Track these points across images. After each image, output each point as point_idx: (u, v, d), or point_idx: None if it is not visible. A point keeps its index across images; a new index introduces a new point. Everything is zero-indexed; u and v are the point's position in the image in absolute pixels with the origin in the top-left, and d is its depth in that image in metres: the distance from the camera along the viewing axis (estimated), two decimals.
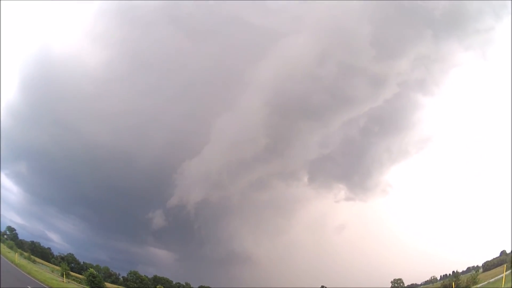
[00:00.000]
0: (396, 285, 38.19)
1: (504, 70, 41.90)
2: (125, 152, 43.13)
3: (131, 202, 41.47)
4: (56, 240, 44.48)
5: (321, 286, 37.82)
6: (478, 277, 38.68)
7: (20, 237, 46.79)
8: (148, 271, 39.40)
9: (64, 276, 40.75)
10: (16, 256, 40.51)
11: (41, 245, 45.38)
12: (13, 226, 47.04)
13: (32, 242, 45.53)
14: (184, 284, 39.07)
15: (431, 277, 39.16)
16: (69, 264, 42.49)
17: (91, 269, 41.21)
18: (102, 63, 43.64)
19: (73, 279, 41.70)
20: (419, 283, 39.18)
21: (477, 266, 39.75)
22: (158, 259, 42.48)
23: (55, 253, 44.10)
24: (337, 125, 44.94)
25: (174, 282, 38.70)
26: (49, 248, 45.06)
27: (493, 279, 37.52)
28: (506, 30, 41.32)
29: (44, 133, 41.64)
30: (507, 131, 39.97)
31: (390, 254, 38.06)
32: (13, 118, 42.94)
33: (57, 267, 42.65)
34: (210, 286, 37.68)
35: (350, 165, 46.91)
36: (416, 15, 41.40)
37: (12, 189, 45.95)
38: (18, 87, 45.01)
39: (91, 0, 42.45)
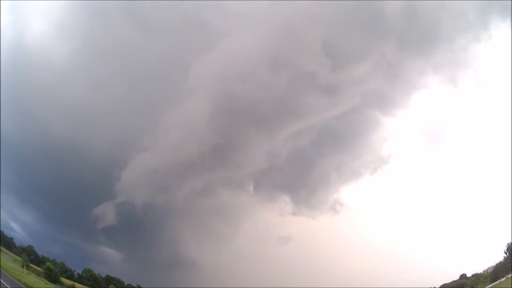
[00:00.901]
0: None
1: (474, 99, 41.31)
2: (80, 143, 43.49)
3: (83, 196, 41.32)
4: (18, 230, 44.45)
5: None
6: None
7: None
8: (98, 269, 39.36)
9: (25, 267, 40.96)
10: None
11: (5, 234, 45.38)
12: None
13: None
14: (136, 286, 38.94)
15: None
16: (29, 256, 42.51)
17: (49, 263, 41.25)
18: (65, 55, 44.37)
19: (32, 271, 41.92)
20: None
21: None
22: (108, 258, 42.42)
23: (17, 243, 44.12)
24: (286, 135, 44.26)
25: (125, 283, 38.55)
26: (11, 238, 45.09)
27: None
28: (481, 52, 40.61)
29: (6, 122, 41.57)
30: (468, 161, 39.52)
31: (342, 271, 37.34)
32: None
33: (18, 258, 42.80)
34: None
35: (298, 179, 46.18)
36: (379, 25, 40.47)
37: None
38: None
39: None
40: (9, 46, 43.71)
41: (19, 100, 43.99)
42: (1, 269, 37.86)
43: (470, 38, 40.98)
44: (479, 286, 35.43)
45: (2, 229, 46.07)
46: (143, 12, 44.45)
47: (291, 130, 43.61)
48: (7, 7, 43.96)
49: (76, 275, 40.96)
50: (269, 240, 41.85)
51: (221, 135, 41.77)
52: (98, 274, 39.44)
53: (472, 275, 37.96)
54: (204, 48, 41.10)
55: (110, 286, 37.79)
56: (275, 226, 42.62)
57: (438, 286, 38.21)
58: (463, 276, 38.50)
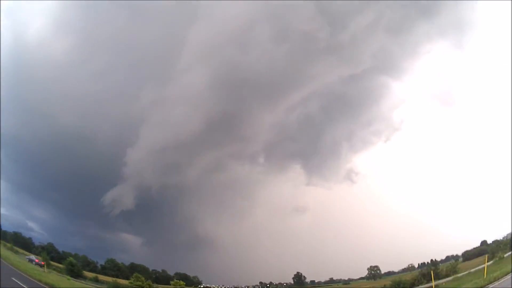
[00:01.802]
0: (372, 272, 38.07)
1: (482, 61, 40.70)
2: (86, 132, 43.40)
3: (95, 184, 41.21)
4: (36, 229, 44.35)
5: (297, 273, 37.77)
6: (458, 266, 38.46)
7: (3, 228, 46.70)
8: (121, 257, 39.49)
9: (45, 266, 40.92)
10: None
11: (23, 235, 45.31)
12: None
13: (15, 232, 45.48)
14: (161, 271, 39.05)
15: (409, 265, 38.88)
16: (49, 254, 42.45)
17: (70, 258, 41.32)
18: (63, 49, 44.50)
19: (54, 269, 41.90)
20: (396, 270, 38.99)
21: (457, 255, 39.49)
22: (128, 244, 42.49)
23: (36, 242, 44.02)
24: (292, 102, 43.43)
25: (150, 270, 38.71)
26: (30, 238, 44.99)
27: (473, 269, 37.32)
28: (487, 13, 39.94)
29: (16, 120, 41.50)
30: (482, 124, 39.24)
31: (363, 241, 37.68)
32: None
33: (39, 257, 42.75)
34: (182, 273, 37.53)
35: (309, 147, 45.22)
36: None
37: None
38: None
39: None
40: (9, 47, 43.83)
41: (22, 97, 43.87)
42: (20, 271, 37.89)
43: None
44: (500, 253, 35.89)
45: (19, 230, 46.10)
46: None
47: (297, 97, 43.02)
48: (5, 10, 44.04)
49: (99, 267, 41.07)
50: (286, 211, 41.82)
51: (225, 108, 41.41)
52: (122, 263, 39.61)
53: (492, 242, 38.43)
54: (196, 18, 40.64)
55: (135, 274, 37.78)
56: (291, 197, 42.52)
57: (460, 254, 38.80)
58: (484, 243, 38.97)
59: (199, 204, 42.82)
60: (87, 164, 41.82)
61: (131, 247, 41.35)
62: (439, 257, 37.83)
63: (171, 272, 39.29)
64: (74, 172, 42.42)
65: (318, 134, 44.93)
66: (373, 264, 38.15)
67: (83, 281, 40.31)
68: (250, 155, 44.48)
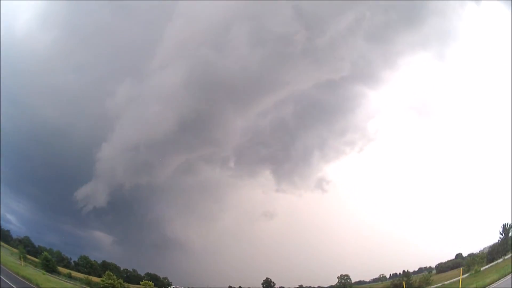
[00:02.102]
0: (343, 280, 37.86)
1: (463, 72, 40.00)
2: (65, 127, 43.45)
3: (71, 180, 41.22)
4: (14, 222, 44.49)
5: (266, 278, 37.51)
6: (431, 278, 38.14)
7: None
8: (93, 255, 39.54)
9: (22, 259, 41.18)
10: None
11: (2, 227, 45.55)
12: None
13: None
14: (132, 271, 39.09)
15: (380, 275, 38.73)
16: (26, 247, 42.66)
17: (45, 253, 41.45)
18: (47, 43, 44.50)
19: (30, 263, 42.16)
20: (367, 280, 38.73)
21: (430, 267, 39.17)
22: (99, 242, 42.51)
23: (14, 235, 44.22)
24: (265, 107, 42.93)
25: (121, 269, 38.74)
26: (8, 231, 45.22)
27: (448, 282, 36.97)
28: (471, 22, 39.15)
29: None
30: (459, 136, 38.55)
31: (334, 249, 37.41)
32: None
33: (16, 250, 42.99)
34: (152, 273, 37.56)
35: (281, 152, 44.84)
36: None
37: None
38: None
39: None
40: None
41: (5, 89, 43.88)
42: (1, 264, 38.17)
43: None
44: (476, 267, 35.52)
45: None
46: None
47: (271, 102, 42.48)
48: None
49: (73, 263, 41.22)
50: (255, 216, 41.69)
51: (198, 109, 41.14)
52: (94, 261, 39.65)
53: (468, 255, 38.04)
54: (174, 17, 40.36)
55: (107, 272, 37.84)
56: (260, 202, 42.32)
57: (434, 266, 38.45)
58: (459, 256, 38.60)
59: (169, 205, 43.02)
60: (63, 158, 41.96)
61: (103, 245, 41.59)
62: (412, 268, 37.67)
63: (141, 272, 39.46)
64: (51, 166, 42.59)
65: (290, 141, 44.80)
66: (344, 273, 38.02)
67: (56, 277, 40.54)
68: (220, 159, 44.41)
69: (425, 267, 38.69)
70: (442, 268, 39.10)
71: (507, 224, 37.48)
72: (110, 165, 39.15)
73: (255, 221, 40.30)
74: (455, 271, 38.11)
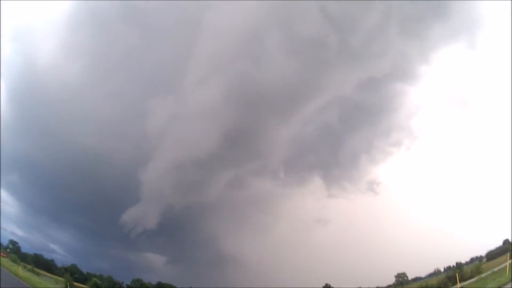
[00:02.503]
0: (400, 279, 38.18)
1: (495, 60, 40.16)
2: (104, 153, 43.70)
3: (116, 205, 41.28)
4: (59, 251, 44.50)
5: (325, 284, 37.77)
6: (482, 267, 38.63)
7: (23, 250, 46.80)
8: (145, 277, 39.49)
9: (68, 287, 41.02)
10: (19, 269, 40.62)
11: (44, 257, 45.43)
12: (14, 239, 47.16)
13: (35, 254, 45.57)
14: None
15: (435, 269, 39.05)
16: (73, 275, 42.50)
17: (94, 279, 41.36)
18: (76, 71, 45.19)
19: None
20: (423, 276, 39.11)
21: (481, 256, 39.59)
22: (152, 264, 42.49)
23: (58, 264, 44.10)
24: (309, 114, 43.20)
25: None
26: (52, 260, 45.09)
27: (497, 268, 37.45)
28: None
29: (32, 144, 42.09)
30: (498, 124, 38.92)
31: (389, 249, 37.67)
32: (2, 130, 43.21)
33: (61, 278, 42.84)
34: None
35: (329, 157, 45.12)
36: None
37: (7, 200, 46.03)
38: (4, 99, 45.37)
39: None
40: (20, 70, 43.96)
41: (38, 121, 44.01)
42: None
43: None
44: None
45: (40, 252, 46.13)
46: (140, 16, 44.43)
47: (313, 108, 42.68)
48: (13, 33, 44.11)
49: (125, 287, 41.14)
50: (309, 224, 41.94)
51: (241, 123, 41.35)
52: (149, 282, 39.60)
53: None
54: (202, 32, 40.57)
55: None
56: (313, 210, 42.62)
57: (484, 254, 38.95)
58: (506, 242, 39.05)
59: (221, 221, 43.02)
60: (106, 183, 42.03)
61: (156, 266, 41.54)
62: (464, 259, 37.96)
63: None
64: (94, 192, 42.57)
65: (337, 145, 45.05)
66: (400, 272, 38.36)
67: None
68: (269, 170, 44.68)
69: (476, 257, 39.16)
70: (492, 255, 39.50)
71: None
72: (157, 186, 39.32)
73: (309, 228, 40.69)
74: (503, 257, 38.64)
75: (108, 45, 43.47)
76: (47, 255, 45.94)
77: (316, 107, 42.97)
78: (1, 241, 46.31)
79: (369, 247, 38.18)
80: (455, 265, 38.17)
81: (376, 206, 40.23)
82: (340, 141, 44.99)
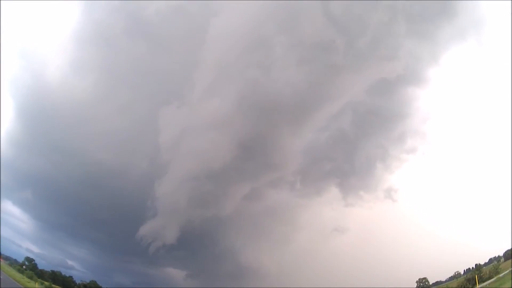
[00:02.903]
0: (421, 284, 38.34)
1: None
2: (118, 168, 43.39)
3: (133, 219, 40.95)
4: (77, 267, 44.42)
5: None
6: (500, 267, 38.93)
7: (40, 266, 46.66)
8: None
9: None
10: (36, 285, 40.49)
11: (62, 273, 45.30)
12: (31, 256, 47.03)
13: (53, 271, 45.47)
14: None
15: (455, 273, 39.23)
16: None
17: None
18: (85, 87, 44.77)
19: None
20: (444, 279, 39.26)
21: (498, 256, 39.85)
22: (172, 278, 42.40)
23: (77, 280, 43.98)
24: (322, 122, 42.69)
25: None
26: (70, 277, 44.97)
27: None
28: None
29: (44, 160, 41.85)
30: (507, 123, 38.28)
31: (409, 255, 37.69)
32: (14, 147, 42.89)
33: None
34: None
35: (345, 164, 44.59)
36: None
37: (21, 217, 45.88)
38: (16, 116, 44.86)
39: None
40: (29, 87, 43.41)
41: (50, 137, 43.61)
42: None
43: None
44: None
45: (58, 269, 46.03)
46: (145, 27, 43.67)
47: (327, 115, 42.12)
48: (20, 50, 43.35)
49: None
50: (327, 233, 41.91)
51: (255, 134, 40.87)
52: None
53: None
54: (207, 41, 39.72)
55: None
56: (330, 219, 42.53)
57: (502, 254, 39.12)
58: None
59: (240, 233, 42.84)
60: (121, 199, 41.71)
61: (177, 280, 41.44)
62: (483, 260, 38.08)
63: None
64: (109, 208, 42.31)
65: (352, 153, 44.49)
66: (421, 277, 38.50)
67: None
68: (286, 181, 44.28)
69: (494, 257, 39.39)
70: (509, 254, 39.87)
71: None
72: (173, 199, 39.04)
73: (328, 237, 40.57)
74: None
75: (115, 58, 43.36)
76: (65, 272, 45.87)
77: (328, 114, 42.59)
78: (17, 258, 46.20)
79: (389, 253, 38.24)
80: (474, 267, 38.48)
81: (394, 212, 40.24)
82: (355, 148, 44.65)
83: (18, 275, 44.57)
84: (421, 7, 40.03)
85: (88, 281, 43.89)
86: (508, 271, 38.21)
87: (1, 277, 38.47)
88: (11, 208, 44.79)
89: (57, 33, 44.75)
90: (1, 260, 43.49)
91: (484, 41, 42.01)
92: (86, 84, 43.74)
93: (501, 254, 40.09)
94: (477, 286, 36.20)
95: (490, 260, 39.51)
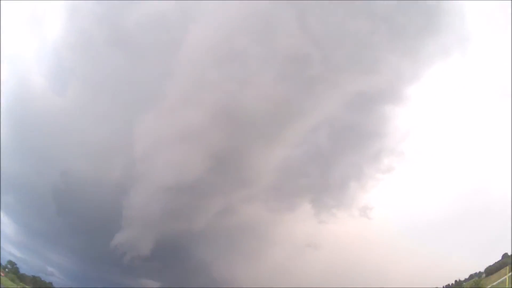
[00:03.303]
0: None
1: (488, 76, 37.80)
2: (96, 176, 43.15)
3: (109, 230, 40.78)
4: (57, 274, 44.64)
5: None
6: (481, 282, 37.79)
7: (22, 270, 47.12)
8: None
9: None
10: None
11: (42, 279, 45.71)
12: (13, 259, 47.52)
13: (34, 276, 45.87)
14: None
15: None
16: None
17: None
18: (66, 94, 44.07)
19: None
20: None
21: (479, 272, 38.65)
22: None
23: (56, 286, 44.24)
24: (297, 137, 41.54)
25: None
26: (50, 283, 45.28)
27: (496, 283, 36.65)
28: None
29: (27, 166, 41.91)
30: (490, 140, 36.92)
31: (385, 272, 36.56)
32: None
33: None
34: None
35: (319, 180, 43.39)
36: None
37: (4, 220, 46.09)
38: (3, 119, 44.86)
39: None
40: (14, 94, 43.78)
41: (33, 143, 43.85)
42: None
43: None
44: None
45: (38, 274, 46.39)
46: (125, 37, 43.41)
47: (302, 130, 40.96)
48: (6, 55, 43.65)
49: None
50: (300, 249, 41.10)
51: (229, 148, 40.10)
52: None
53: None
54: (184, 53, 39.19)
55: None
56: (303, 235, 41.61)
57: (483, 269, 37.96)
58: (505, 256, 37.88)
59: (213, 247, 42.21)
60: (97, 208, 41.54)
61: None
62: (463, 276, 36.90)
63: None
64: (87, 217, 42.24)
65: (327, 170, 43.34)
66: None
67: None
68: (259, 197, 43.38)
69: (475, 273, 38.20)
70: (491, 270, 38.61)
71: None
72: (146, 211, 38.70)
73: (301, 253, 39.76)
74: (503, 271, 37.75)
75: (96, 67, 42.83)
76: (45, 278, 46.10)
77: (304, 128, 41.47)
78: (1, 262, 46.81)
79: (363, 270, 37.15)
80: (454, 282, 37.27)
81: (369, 230, 39.02)
82: (330, 164, 43.45)
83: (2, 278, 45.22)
84: (404, 20, 38.32)
85: None
86: (490, 286, 37.09)
87: None
88: None
89: (41, 40, 44.97)
90: None
91: (468, 60, 40.37)
92: (68, 92, 44.10)
93: (482, 270, 38.91)
94: None
95: (471, 276, 38.35)
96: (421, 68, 40.26)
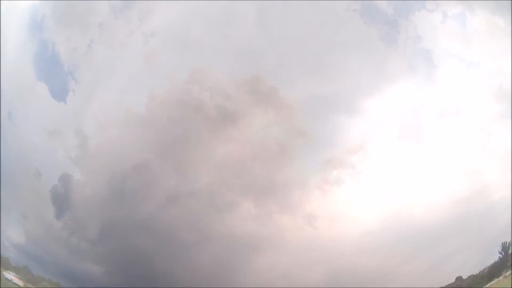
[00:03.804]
0: None
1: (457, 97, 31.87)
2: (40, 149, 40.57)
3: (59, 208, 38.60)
4: (12, 250, 43.46)
5: None
6: (481, 282, 34.09)
7: None
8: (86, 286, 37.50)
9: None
10: None
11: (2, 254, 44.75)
12: None
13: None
14: None
15: None
16: (25, 276, 41.87)
17: (44, 283, 40.28)
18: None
19: None
20: None
21: (479, 272, 34.34)
22: (91, 272, 39.98)
23: (13, 264, 43.22)
24: (248, 134, 36.42)
25: None
26: (7, 258, 44.43)
27: (495, 281, 33.16)
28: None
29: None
30: (454, 163, 30.75)
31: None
32: None
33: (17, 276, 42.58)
34: None
35: (262, 185, 38.19)
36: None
37: None
38: None
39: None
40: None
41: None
42: None
43: None
44: (476, 287, 31.40)
45: None
46: None
47: (250, 126, 35.78)
48: None
49: None
50: (240, 248, 36.72)
51: (175, 135, 35.66)
52: None
53: (468, 277, 33.11)
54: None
55: None
56: (244, 235, 37.19)
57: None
58: (458, 279, 33.39)
59: (154, 237, 38.56)
60: (43, 183, 39.21)
61: (95, 276, 38.63)
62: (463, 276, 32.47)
63: None
64: (36, 191, 40.17)
65: (272, 171, 38.44)
66: None
67: None
68: (202, 191, 38.86)
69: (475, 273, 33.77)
70: (491, 270, 34.07)
71: (506, 242, 31.79)
72: (93, 193, 35.36)
73: (240, 252, 35.37)
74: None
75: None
76: (3, 252, 45.11)
77: (253, 125, 35.88)
78: None
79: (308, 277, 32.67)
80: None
81: (313, 238, 33.54)
82: (276, 166, 38.00)
83: None
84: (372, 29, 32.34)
85: (21, 266, 42.89)
86: None
87: None
88: None
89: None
90: None
91: (434, 78, 33.65)
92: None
93: (482, 270, 34.53)
94: None
95: (470, 277, 34.14)
96: (384, 81, 34.23)
